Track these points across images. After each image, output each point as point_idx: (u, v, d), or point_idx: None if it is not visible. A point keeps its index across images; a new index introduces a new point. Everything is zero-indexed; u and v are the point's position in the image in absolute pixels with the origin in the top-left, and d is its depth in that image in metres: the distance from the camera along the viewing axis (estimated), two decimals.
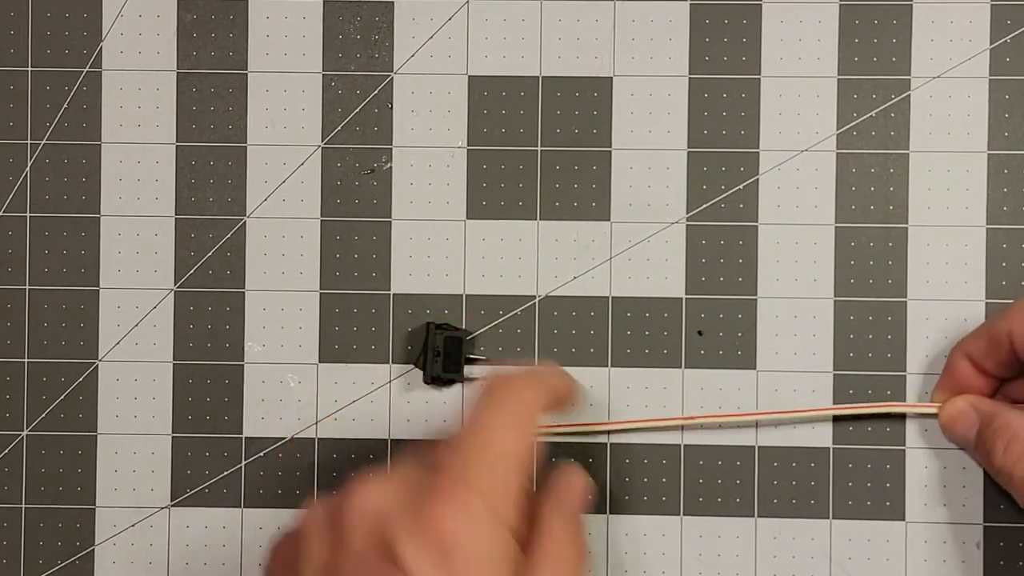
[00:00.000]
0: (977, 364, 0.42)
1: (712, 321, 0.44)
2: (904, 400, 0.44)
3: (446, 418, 0.45)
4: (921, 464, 0.44)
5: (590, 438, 0.44)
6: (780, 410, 0.43)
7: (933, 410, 0.43)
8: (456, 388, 0.44)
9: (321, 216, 0.45)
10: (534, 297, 0.45)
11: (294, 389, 0.45)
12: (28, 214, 0.45)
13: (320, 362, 0.45)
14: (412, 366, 0.44)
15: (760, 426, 0.44)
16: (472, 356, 0.44)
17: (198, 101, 0.45)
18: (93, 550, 0.45)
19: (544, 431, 0.44)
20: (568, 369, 0.44)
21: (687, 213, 0.44)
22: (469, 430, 0.35)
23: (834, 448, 0.44)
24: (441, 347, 0.43)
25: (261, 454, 0.45)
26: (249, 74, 0.45)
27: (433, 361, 0.44)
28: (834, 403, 0.44)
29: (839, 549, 0.44)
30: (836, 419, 0.44)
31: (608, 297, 0.44)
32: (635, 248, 0.44)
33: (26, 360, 0.45)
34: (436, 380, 0.44)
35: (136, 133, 0.45)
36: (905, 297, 0.44)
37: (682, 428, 0.44)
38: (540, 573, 0.34)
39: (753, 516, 0.44)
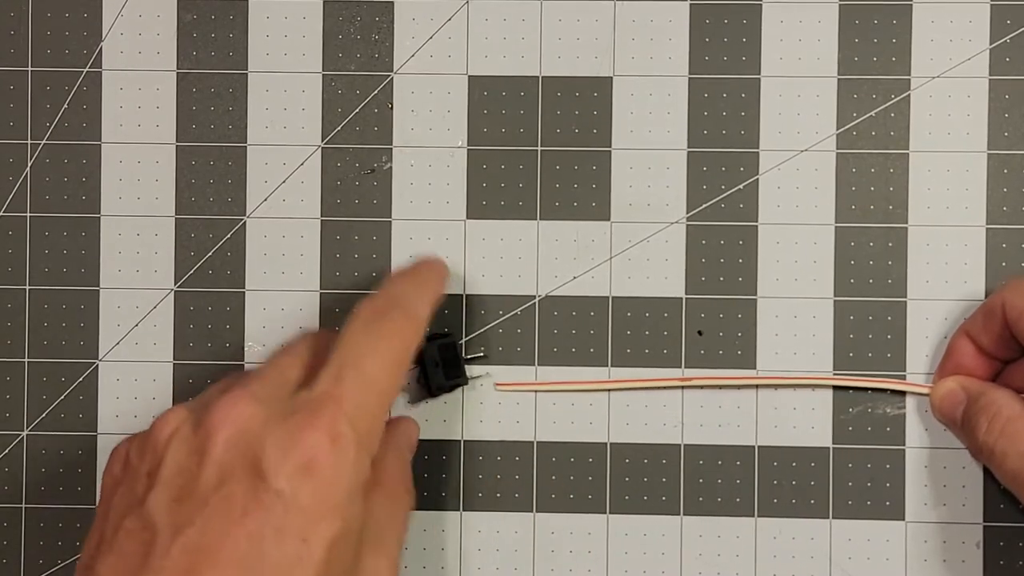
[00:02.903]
0: (975, 341, 0.42)
1: (712, 321, 0.44)
2: (904, 400, 0.44)
3: (446, 420, 0.45)
4: (921, 464, 0.44)
5: (590, 438, 0.44)
6: (778, 376, 0.44)
7: (927, 391, 0.43)
8: (455, 395, 0.44)
9: (321, 216, 0.45)
10: (534, 297, 0.45)
11: None
12: (28, 214, 0.45)
13: None
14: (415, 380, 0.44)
15: (760, 426, 0.44)
16: (469, 356, 0.44)
17: (198, 101, 0.45)
18: None
19: (543, 387, 0.44)
20: (568, 369, 0.44)
21: (687, 213, 0.44)
22: (349, 357, 0.36)
23: (834, 448, 0.44)
24: (437, 356, 0.43)
25: None
26: (249, 74, 0.45)
27: (434, 372, 0.43)
28: (834, 403, 0.44)
29: (839, 549, 0.44)
30: (836, 419, 0.44)
31: (608, 297, 0.44)
32: (635, 248, 0.44)
33: (26, 360, 0.45)
34: (441, 389, 0.44)
35: (136, 133, 0.45)
36: (905, 297, 0.44)
37: (682, 389, 0.44)
38: (377, 498, 0.36)
39: (753, 516, 0.44)
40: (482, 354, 0.44)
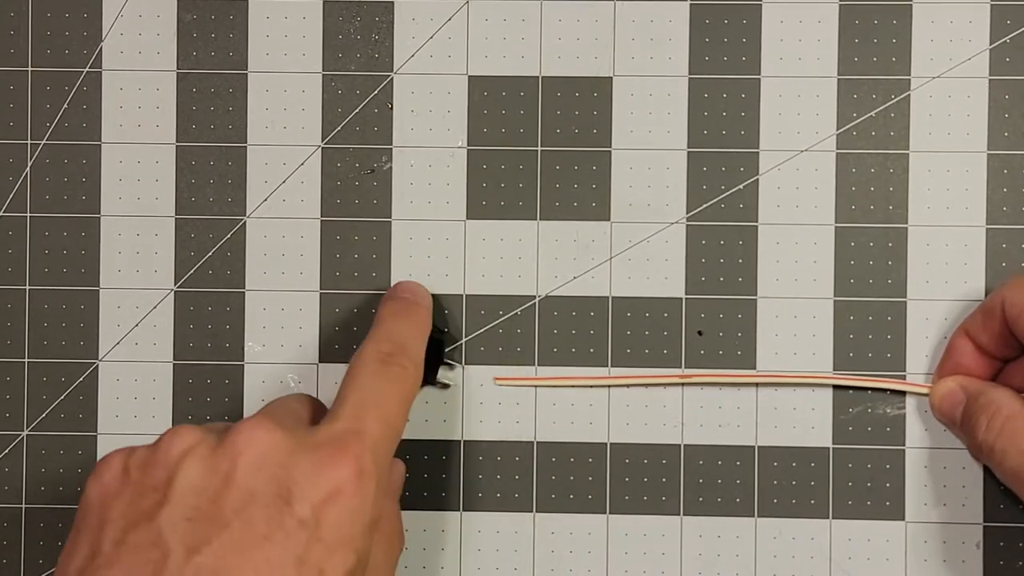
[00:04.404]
0: (975, 340, 0.42)
1: (712, 321, 0.44)
2: (904, 400, 0.44)
3: (444, 419, 0.45)
4: (921, 464, 0.44)
5: (590, 438, 0.44)
6: (779, 373, 0.44)
7: (927, 391, 0.43)
8: (455, 388, 0.44)
9: (321, 216, 0.45)
10: (534, 297, 0.45)
11: (294, 389, 0.45)
12: (28, 214, 0.45)
13: (320, 362, 0.45)
14: None
15: (760, 426, 0.44)
16: (450, 361, 0.44)
17: (198, 101, 0.45)
18: None
19: (542, 383, 0.44)
20: (568, 369, 0.44)
21: (687, 213, 0.44)
22: (367, 397, 0.36)
23: (834, 448, 0.44)
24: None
25: None
26: (249, 74, 0.45)
27: None
28: (834, 403, 0.44)
29: (839, 549, 0.44)
30: (836, 419, 0.44)
31: (608, 297, 0.44)
32: (635, 248, 0.44)
33: (26, 360, 0.45)
34: None
35: (136, 133, 0.45)
36: (905, 297, 0.44)
37: (682, 387, 0.44)
38: (375, 538, 0.36)
39: (753, 516, 0.44)
40: (456, 364, 0.44)
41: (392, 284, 0.44)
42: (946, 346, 0.43)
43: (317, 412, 0.39)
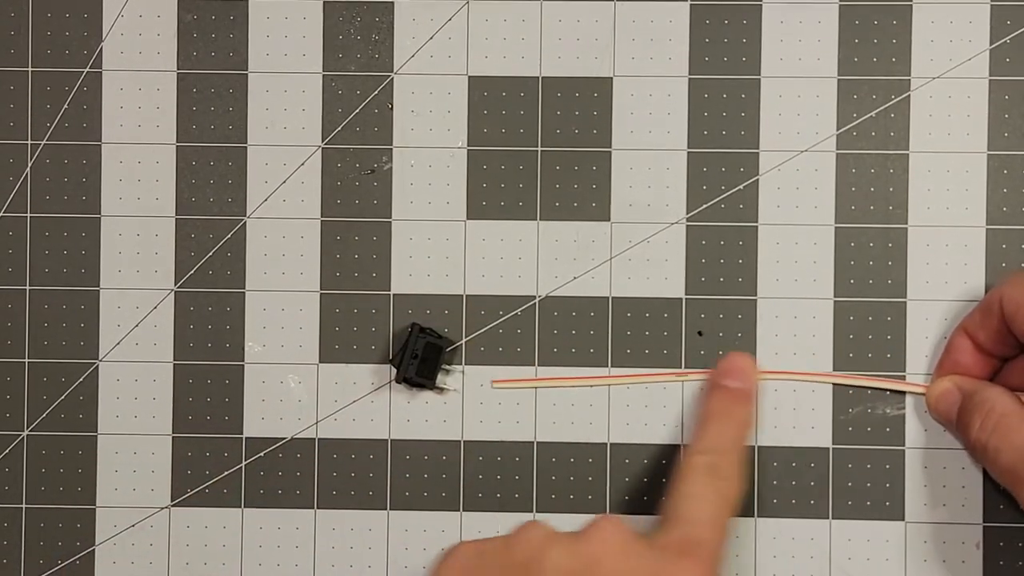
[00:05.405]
0: (973, 338, 0.42)
1: (712, 321, 0.44)
2: (904, 400, 0.44)
3: (439, 420, 0.45)
4: (921, 464, 0.44)
5: (590, 438, 0.44)
6: (779, 371, 0.44)
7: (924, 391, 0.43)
8: (455, 395, 0.44)
9: (321, 216, 0.45)
10: (534, 297, 0.45)
11: (294, 389, 0.45)
12: (28, 214, 0.45)
13: (320, 362, 0.45)
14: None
15: (759, 426, 0.44)
16: (448, 367, 0.44)
17: (198, 101, 0.45)
18: (93, 550, 0.45)
19: (540, 384, 0.44)
20: (568, 370, 0.44)
21: (687, 213, 0.44)
22: (705, 512, 0.39)
23: (834, 448, 0.44)
24: (420, 351, 0.43)
25: (261, 454, 0.45)
26: (249, 74, 0.45)
27: (409, 363, 0.43)
28: (834, 403, 0.44)
29: (839, 549, 0.44)
30: (836, 419, 0.44)
31: (608, 297, 0.44)
32: (635, 248, 0.44)
33: (26, 360, 0.45)
34: (408, 382, 0.44)
35: (136, 133, 0.45)
36: (905, 297, 0.44)
37: (681, 383, 0.44)
38: None
39: (753, 516, 0.44)
40: (460, 369, 0.44)
41: (720, 360, 0.44)
42: (945, 345, 0.43)
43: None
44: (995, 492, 0.43)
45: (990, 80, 0.44)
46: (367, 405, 0.45)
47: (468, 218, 0.45)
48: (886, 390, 0.44)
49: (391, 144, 0.45)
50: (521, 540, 0.38)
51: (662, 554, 0.38)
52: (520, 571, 0.37)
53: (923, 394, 0.43)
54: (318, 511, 0.45)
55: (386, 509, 0.45)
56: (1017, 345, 0.41)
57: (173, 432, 0.45)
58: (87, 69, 0.45)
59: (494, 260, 0.45)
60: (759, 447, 0.44)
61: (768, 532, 0.44)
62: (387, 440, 0.45)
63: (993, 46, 0.44)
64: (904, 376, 0.44)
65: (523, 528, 0.38)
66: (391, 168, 0.45)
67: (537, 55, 0.45)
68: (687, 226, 0.44)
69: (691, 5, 0.45)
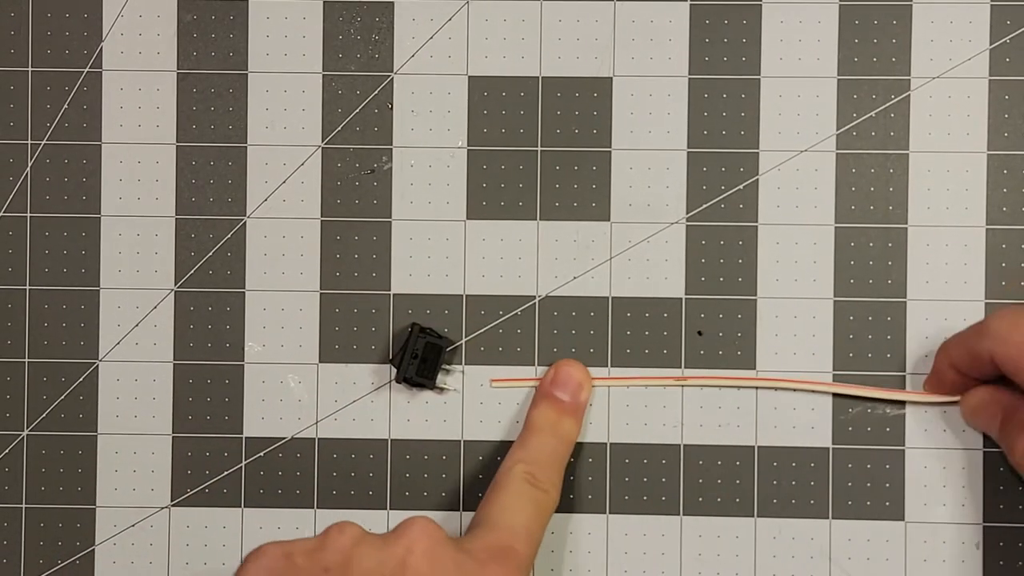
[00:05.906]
0: (963, 374, 0.42)
1: (712, 321, 0.44)
2: (903, 400, 0.44)
3: (440, 420, 0.45)
4: (921, 464, 0.44)
5: (590, 438, 0.44)
6: (780, 377, 0.44)
7: (932, 400, 0.43)
8: (455, 395, 0.44)
9: (321, 216, 0.45)
10: (534, 297, 0.45)
11: (294, 389, 0.45)
12: (28, 214, 0.45)
13: (320, 362, 0.45)
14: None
15: (759, 426, 0.44)
16: (448, 367, 0.44)
17: (198, 101, 0.45)
18: (93, 550, 0.45)
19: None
20: None
21: (687, 213, 0.44)
22: (519, 521, 0.40)
23: (834, 448, 0.44)
24: (420, 351, 0.43)
25: (261, 454, 0.45)
26: (249, 74, 0.45)
27: (409, 363, 0.43)
28: (833, 403, 0.44)
29: (839, 549, 0.44)
30: (836, 419, 0.44)
31: (608, 297, 0.44)
32: (635, 248, 0.44)
33: (26, 360, 0.45)
34: (408, 381, 0.44)
35: (136, 133, 0.45)
36: (905, 297, 0.44)
37: (681, 387, 0.44)
38: None
39: (753, 516, 0.44)
40: (460, 369, 0.44)
41: (553, 363, 0.44)
42: (932, 366, 0.43)
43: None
44: (996, 492, 0.43)
45: (990, 80, 0.44)
46: (367, 405, 0.45)
47: (468, 218, 0.45)
48: (893, 413, 0.44)
49: (391, 144, 0.45)
50: (329, 542, 0.37)
51: (470, 558, 0.38)
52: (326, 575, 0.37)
53: (917, 402, 0.43)
54: (318, 511, 0.45)
55: (386, 509, 0.45)
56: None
57: (173, 432, 0.45)
58: (87, 69, 0.45)
59: (494, 260, 0.45)
60: (759, 447, 0.44)
61: (768, 532, 0.44)
62: (387, 440, 0.45)
63: (993, 46, 0.44)
64: (904, 376, 0.44)
65: (332, 529, 0.38)
66: (391, 168, 0.45)
67: (537, 55, 0.45)
68: (687, 226, 0.44)
69: (691, 5, 0.45)
